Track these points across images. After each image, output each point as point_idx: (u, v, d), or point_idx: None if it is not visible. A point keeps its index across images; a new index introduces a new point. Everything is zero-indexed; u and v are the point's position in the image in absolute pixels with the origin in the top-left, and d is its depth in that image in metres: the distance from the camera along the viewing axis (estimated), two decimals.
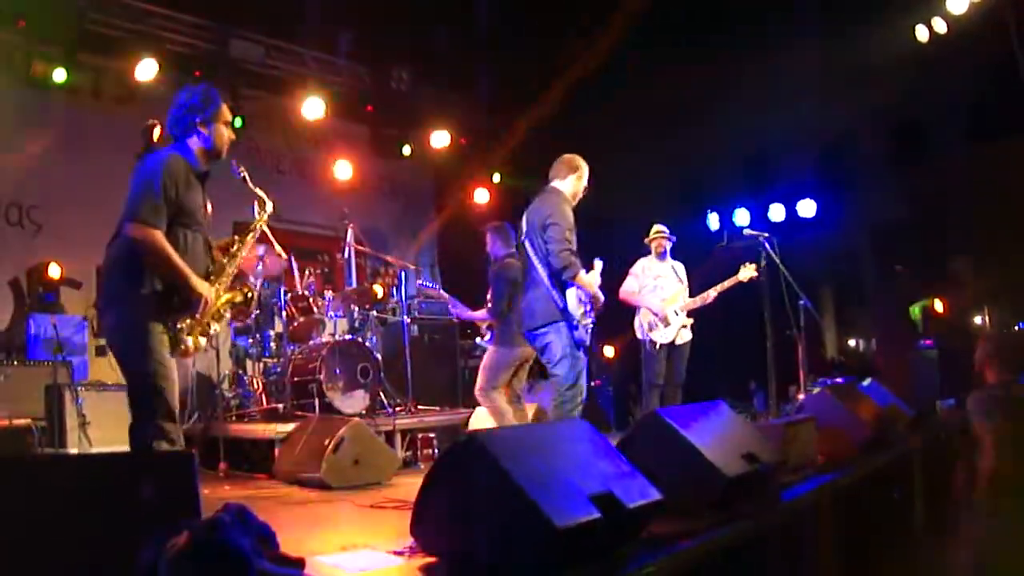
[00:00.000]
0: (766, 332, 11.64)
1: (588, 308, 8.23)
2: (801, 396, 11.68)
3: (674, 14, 13.72)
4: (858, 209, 15.95)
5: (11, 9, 12.08)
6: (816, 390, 10.45)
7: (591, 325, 8.33)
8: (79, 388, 10.43)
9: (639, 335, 11.66)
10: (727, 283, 11.52)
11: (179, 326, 5.93)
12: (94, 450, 10.02)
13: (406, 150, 16.36)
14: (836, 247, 16.12)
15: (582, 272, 8.10)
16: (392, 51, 15.13)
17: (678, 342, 11.47)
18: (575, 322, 8.09)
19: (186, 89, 6.33)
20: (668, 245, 11.75)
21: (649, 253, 11.79)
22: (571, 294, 8.11)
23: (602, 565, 4.63)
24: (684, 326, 11.48)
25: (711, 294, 11.53)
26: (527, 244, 8.40)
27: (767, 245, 11.34)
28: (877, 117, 14.86)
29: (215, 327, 6.22)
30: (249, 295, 6.49)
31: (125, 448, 9.88)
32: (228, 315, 6.43)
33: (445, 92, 16.20)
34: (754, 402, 15.48)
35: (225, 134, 6.31)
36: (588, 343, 8.29)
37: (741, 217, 16.02)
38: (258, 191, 6.66)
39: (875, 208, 15.88)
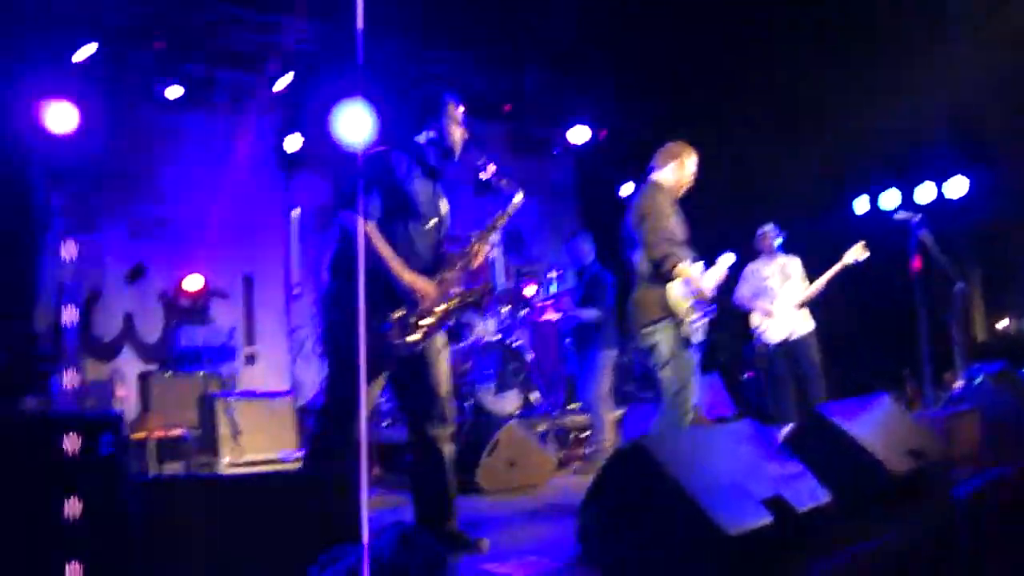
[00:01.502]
0: (917, 318, 11.35)
1: (696, 303, 7.66)
2: (958, 384, 11.42)
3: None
4: (1009, 184, 15.50)
5: (148, 33, 12.21)
6: (979, 379, 10.16)
7: (703, 321, 7.74)
8: (230, 398, 10.51)
9: (756, 336, 11.54)
10: (834, 269, 11.17)
11: (391, 321, 5.72)
12: (247, 457, 10.10)
13: (546, 147, 16.31)
14: (986, 225, 15.69)
15: (683, 264, 7.53)
16: (527, 47, 15.02)
17: (794, 337, 11.23)
18: (680, 318, 7.60)
19: (415, 92, 6.33)
20: (777, 242, 11.54)
21: (759, 255, 11.56)
22: (674, 288, 7.60)
23: (774, 571, 4.52)
24: (796, 321, 11.24)
25: (820, 284, 11.25)
26: (626, 241, 7.97)
27: (917, 227, 11.03)
28: None
29: (436, 324, 5.92)
30: (480, 295, 6.25)
31: (275, 455, 10.08)
32: (454, 313, 6.05)
33: (584, 85, 16.06)
34: (907, 391, 15.18)
35: (456, 132, 6.23)
36: (700, 340, 7.75)
37: (888, 199, 15.63)
38: (504, 183, 6.45)
39: None
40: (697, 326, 7.63)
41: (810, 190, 14.73)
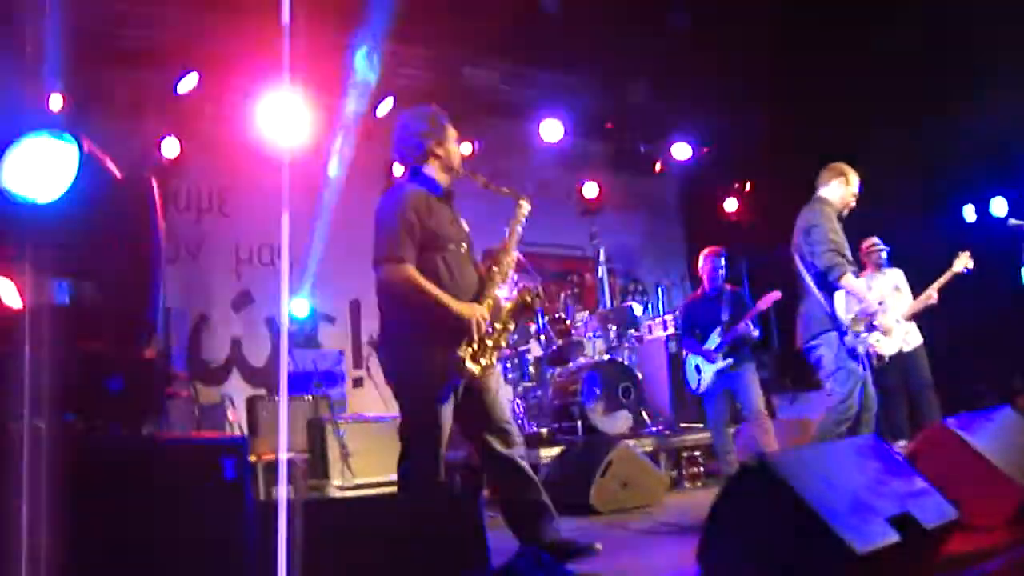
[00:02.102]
0: None
1: (862, 314, 7.71)
2: None
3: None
4: None
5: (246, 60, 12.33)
6: None
7: (868, 333, 7.75)
8: (339, 421, 10.52)
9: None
10: (944, 278, 10.93)
11: (458, 355, 5.66)
12: (357, 480, 10.12)
13: (649, 165, 16.21)
14: None
15: (850, 275, 7.63)
16: (628, 65, 14.99)
17: (906, 349, 11.00)
18: (846, 328, 7.65)
19: (407, 115, 6.24)
20: (884, 256, 11.36)
21: (863, 267, 11.30)
22: (840, 300, 7.70)
23: None
24: (908, 333, 11.02)
25: (932, 294, 11.00)
26: (795, 255, 8.05)
27: None
28: None
29: (500, 341, 5.93)
30: (529, 298, 6.22)
31: (385, 478, 10.09)
32: (512, 325, 6.11)
33: (685, 102, 16.00)
34: (1019, 401, 14.93)
35: (456, 151, 6.16)
36: (866, 352, 7.75)
37: (998, 206, 15.36)
38: (504, 190, 6.31)
39: None
40: (863, 337, 7.67)
41: (918, 197, 14.51)
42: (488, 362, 5.81)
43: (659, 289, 13.38)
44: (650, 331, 13.51)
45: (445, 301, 5.69)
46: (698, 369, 10.37)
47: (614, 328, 12.47)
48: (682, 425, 11.98)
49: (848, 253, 7.77)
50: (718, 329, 10.39)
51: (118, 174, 4.41)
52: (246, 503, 3.26)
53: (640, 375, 11.93)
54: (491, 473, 6.05)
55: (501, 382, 6.20)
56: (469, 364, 5.67)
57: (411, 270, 5.70)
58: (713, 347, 10.30)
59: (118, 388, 3.96)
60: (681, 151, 15.95)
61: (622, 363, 11.79)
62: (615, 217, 15.86)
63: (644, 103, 15.74)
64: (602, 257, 13.23)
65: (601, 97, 15.59)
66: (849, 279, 7.61)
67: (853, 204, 8.14)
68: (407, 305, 5.79)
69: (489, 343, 5.82)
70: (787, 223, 8.15)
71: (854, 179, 8.13)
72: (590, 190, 15.57)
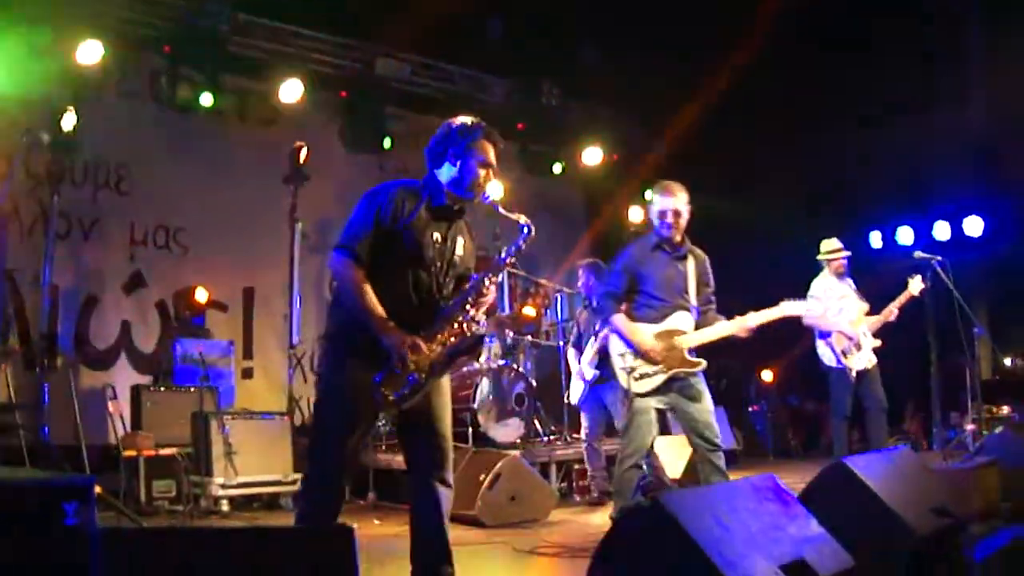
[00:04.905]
0: (928, 356, 11.10)
1: (636, 354, 7.55)
2: (970, 427, 11.20)
3: (826, 19, 13.36)
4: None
5: (156, 35, 12.03)
6: (998, 429, 9.92)
7: (645, 373, 7.53)
8: (225, 416, 10.21)
9: (828, 363, 10.66)
10: (902, 298, 10.82)
11: (376, 381, 5.18)
12: (240, 479, 9.82)
13: (557, 168, 16.09)
14: (1003, 264, 15.43)
15: (616, 316, 7.59)
16: (543, 67, 14.92)
17: (868, 366, 10.61)
18: (619, 367, 7.69)
19: (448, 122, 5.69)
20: (845, 264, 10.92)
21: (821, 271, 10.97)
22: (613, 341, 7.77)
23: None
24: (873, 348, 10.69)
25: (893, 311, 10.81)
26: None
27: (938, 268, 10.76)
28: None
29: (424, 381, 5.29)
30: (473, 345, 5.73)
31: (269, 476, 9.87)
32: (441, 367, 5.40)
33: (596, 107, 15.95)
34: (909, 425, 15.08)
35: (479, 172, 5.52)
36: (646, 390, 7.54)
37: (904, 236, 15.54)
38: (513, 216, 5.73)
39: None
40: (637, 377, 7.58)
41: (822, 222, 14.55)
42: (406, 395, 5.24)
43: (559, 295, 13.18)
44: (547, 337, 13.35)
45: (372, 316, 5.24)
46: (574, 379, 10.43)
47: (511, 333, 12.30)
48: (575, 436, 11.80)
49: (636, 286, 7.69)
50: (592, 339, 10.30)
51: None
52: (88, 550, 2.98)
53: (535, 383, 11.80)
54: (412, 493, 5.58)
55: (446, 392, 5.67)
56: (387, 387, 5.20)
57: (354, 268, 5.30)
58: (588, 359, 10.22)
59: None
60: (591, 156, 15.84)
61: (517, 369, 11.65)
62: None
63: (557, 106, 15.64)
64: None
65: (515, 97, 15.48)
66: (616, 319, 7.61)
67: (671, 221, 7.63)
68: (346, 302, 5.41)
69: (413, 380, 5.26)
70: (691, 232, 7.88)
71: (659, 199, 7.72)
72: (495, 190, 15.35)
